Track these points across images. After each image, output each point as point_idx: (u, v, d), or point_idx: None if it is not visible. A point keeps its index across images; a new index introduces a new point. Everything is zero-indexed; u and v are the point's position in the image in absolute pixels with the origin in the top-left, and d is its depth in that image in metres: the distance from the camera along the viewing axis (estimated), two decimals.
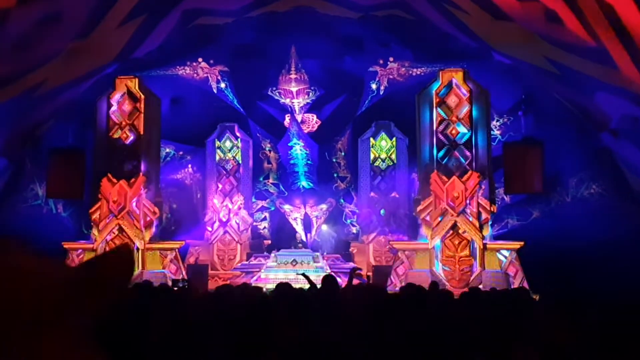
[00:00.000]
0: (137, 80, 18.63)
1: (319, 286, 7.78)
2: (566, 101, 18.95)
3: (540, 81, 18.83)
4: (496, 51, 18.82)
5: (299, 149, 22.13)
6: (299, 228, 21.67)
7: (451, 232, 17.35)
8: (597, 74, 15.96)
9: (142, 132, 18.34)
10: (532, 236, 17.82)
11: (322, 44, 21.09)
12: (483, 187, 17.58)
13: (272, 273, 18.42)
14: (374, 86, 21.95)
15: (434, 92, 17.92)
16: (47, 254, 1.25)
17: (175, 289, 11.68)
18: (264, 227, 22.64)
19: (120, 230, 17.85)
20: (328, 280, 7.56)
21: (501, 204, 19.57)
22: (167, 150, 21.67)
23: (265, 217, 22.71)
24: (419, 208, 17.76)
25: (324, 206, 21.98)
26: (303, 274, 10.74)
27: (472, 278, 17.06)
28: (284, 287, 6.45)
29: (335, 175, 22.77)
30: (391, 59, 21.42)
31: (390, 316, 4.85)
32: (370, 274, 18.92)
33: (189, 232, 20.83)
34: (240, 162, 22.10)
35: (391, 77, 21.62)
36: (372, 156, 21.94)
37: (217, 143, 22.08)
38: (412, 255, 17.63)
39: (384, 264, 19.78)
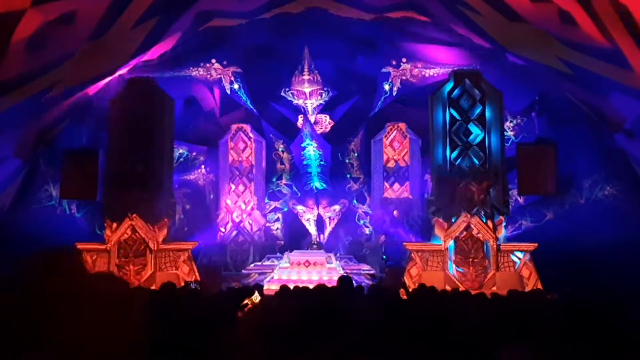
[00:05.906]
0: (151, 81, 18.68)
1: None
2: (580, 102, 18.84)
3: (553, 82, 18.72)
4: (509, 52, 18.74)
5: (312, 150, 22.11)
6: (311, 229, 21.65)
7: (465, 233, 17.30)
8: (611, 75, 15.85)
9: (155, 133, 18.36)
10: (546, 238, 17.74)
11: (335, 45, 21.06)
12: (496, 188, 17.51)
13: (285, 274, 18.41)
14: (386, 87, 21.90)
15: (447, 93, 17.87)
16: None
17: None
18: (277, 228, 22.63)
19: (134, 231, 17.87)
20: (344, 281, 7.51)
21: (515, 206, 19.48)
22: (180, 151, 21.69)
23: (278, 217, 22.70)
24: (432, 209, 17.70)
25: (337, 207, 21.96)
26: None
27: (485, 279, 17.00)
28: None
29: (348, 176, 22.74)
30: (404, 59, 21.37)
31: (403, 317, 4.85)
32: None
33: (202, 233, 20.85)
34: (253, 163, 22.13)
35: (404, 78, 21.57)
36: (385, 157, 21.91)
37: (230, 144, 22.11)
38: (425, 256, 17.57)
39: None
